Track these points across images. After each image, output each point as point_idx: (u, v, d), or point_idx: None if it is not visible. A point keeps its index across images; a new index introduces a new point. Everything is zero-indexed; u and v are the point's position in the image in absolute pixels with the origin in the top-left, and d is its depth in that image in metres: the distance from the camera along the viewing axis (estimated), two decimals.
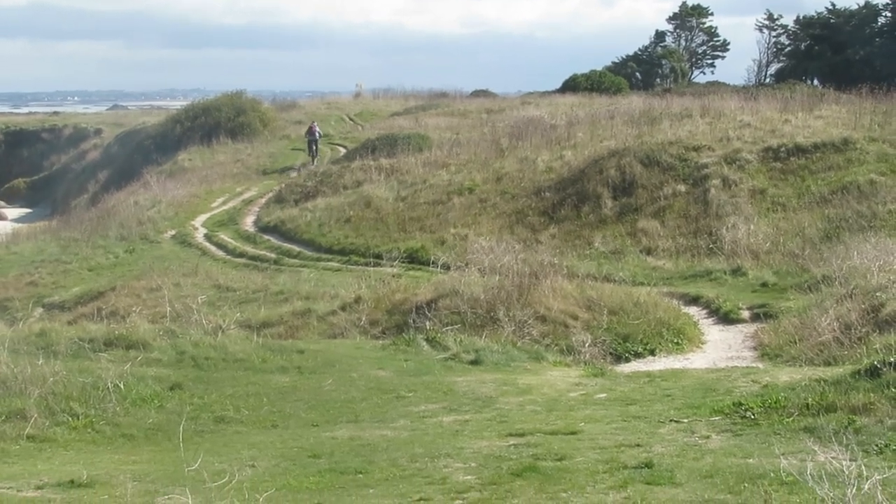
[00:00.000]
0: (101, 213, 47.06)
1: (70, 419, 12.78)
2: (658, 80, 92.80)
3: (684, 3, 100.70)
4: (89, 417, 12.87)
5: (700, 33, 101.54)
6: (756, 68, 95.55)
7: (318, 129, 56.63)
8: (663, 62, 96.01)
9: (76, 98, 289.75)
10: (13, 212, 72.55)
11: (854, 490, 7.10)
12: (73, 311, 29.51)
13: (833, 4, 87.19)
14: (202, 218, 43.21)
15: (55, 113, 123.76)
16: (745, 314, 21.89)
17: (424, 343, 18.03)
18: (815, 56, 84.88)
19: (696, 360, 18.62)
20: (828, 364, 15.37)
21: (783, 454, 9.12)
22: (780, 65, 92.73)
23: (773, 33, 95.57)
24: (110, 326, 18.05)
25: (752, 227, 28.55)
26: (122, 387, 13.70)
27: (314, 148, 55.79)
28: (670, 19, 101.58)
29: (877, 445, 9.48)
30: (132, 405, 13.40)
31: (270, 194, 45.86)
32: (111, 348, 16.15)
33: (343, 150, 56.14)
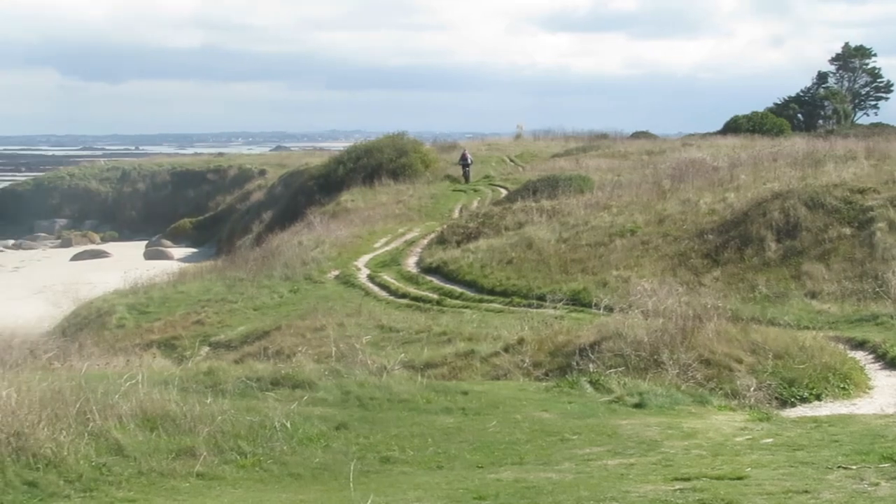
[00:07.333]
0: (265, 253, 47.83)
1: (238, 457, 12.90)
2: (820, 121, 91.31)
3: (847, 44, 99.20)
4: (257, 456, 12.98)
5: (863, 74, 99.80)
6: None
7: (469, 155, 66.14)
8: (826, 103, 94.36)
9: (240, 139, 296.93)
10: (179, 251, 74.68)
11: None
12: (238, 350, 29.94)
13: None
14: (365, 258, 43.64)
15: (220, 154, 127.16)
16: None
17: (588, 385, 17.83)
18: None
19: (863, 406, 18.09)
20: None
21: None
22: None
23: None
24: (276, 366, 18.19)
25: None
26: (288, 426, 13.79)
27: (467, 171, 64.84)
28: (833, 60, 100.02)
29: None
30: (299, 444, 13.48)
31: (432, 235, 46.16)
32: (277, 387, 16.28)
33: (504, 192, 56.34)
